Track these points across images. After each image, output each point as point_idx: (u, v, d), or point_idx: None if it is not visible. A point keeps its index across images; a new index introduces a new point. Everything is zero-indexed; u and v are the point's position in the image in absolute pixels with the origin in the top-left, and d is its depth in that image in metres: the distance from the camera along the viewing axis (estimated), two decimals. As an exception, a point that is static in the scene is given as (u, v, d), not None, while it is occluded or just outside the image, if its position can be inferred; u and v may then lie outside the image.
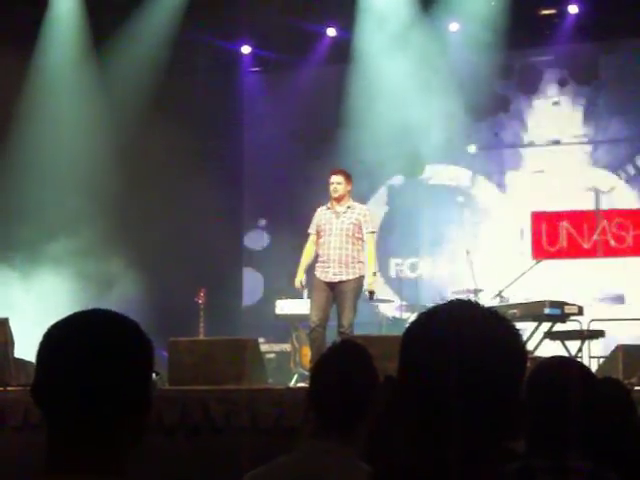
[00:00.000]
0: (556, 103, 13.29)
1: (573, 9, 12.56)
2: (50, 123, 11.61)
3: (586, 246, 12.89)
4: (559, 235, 12.98)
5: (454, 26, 12.85)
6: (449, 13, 12.50)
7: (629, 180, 12.99)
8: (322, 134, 12.85)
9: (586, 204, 13.12)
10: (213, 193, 12.45)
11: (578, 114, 13.21)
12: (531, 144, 13.42)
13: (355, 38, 12.86)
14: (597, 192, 13.14)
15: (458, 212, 13.26)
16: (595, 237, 12.92)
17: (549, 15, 12.94)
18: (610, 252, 12.70)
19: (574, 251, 12.73)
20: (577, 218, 13.15)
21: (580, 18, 12.55)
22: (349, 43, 12.89)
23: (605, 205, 13.09)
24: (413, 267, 13.49)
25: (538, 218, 13.20)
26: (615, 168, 12.99)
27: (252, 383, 7.42)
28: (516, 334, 1.49)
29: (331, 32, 13.37)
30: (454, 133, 12.69)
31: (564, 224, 13.09)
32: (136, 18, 12.13)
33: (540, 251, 13.12)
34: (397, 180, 13.48)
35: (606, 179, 13.11)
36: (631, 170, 12.93)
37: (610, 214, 13.04)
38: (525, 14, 12.51)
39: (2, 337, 8.03)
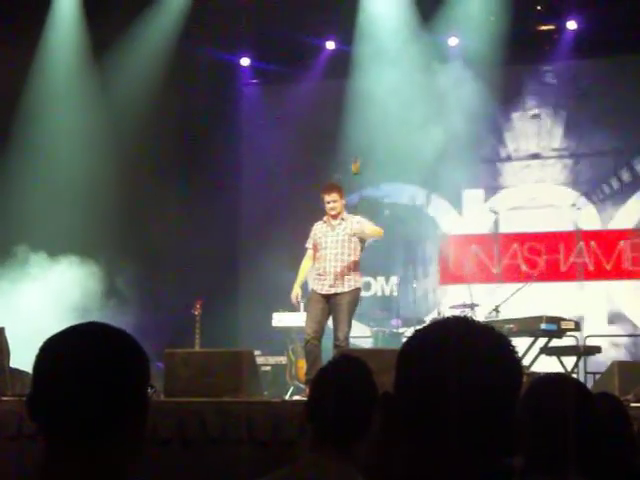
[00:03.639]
0: (536, 116, 13.28)
1: (572, 25, 12.60)
2: (49, 131, 11.61)
3: (495, 271, 12.83)
4: (467, 259, 12.90)
5: (453, 40, 12.89)
6: (448, 27, 12.54)
7: (609, 195, 12.86)
8: (320, 146, 12.85)
9: (547, 224, 12.99)
10: (210, 204, 12.45)
11: (559, 127, 13.17)
12: (508, 158, 13.38)
13: (354, 51, 12.90)
14: (561, 211, 13.00)
15: (413, 231, 13.10)
16: (505, 261, 12.86)
17: (548, 31, 12.99)
18: (521, 277, 12.58)
19: (482, 276, 12.64)
20: (486, 242, 13.09)
21: (578, 34, 12.60)
22: (348, 56, 12.93)
23: (566, 226, 12.94)
24: (366, 287, 13.43)
25: (446, 242, 13.13)
26: (599, 182, 12.91)
27: (248, 395, 7.41)
28: (512, 350, 1.50)
29: (330, 45, 13.41)
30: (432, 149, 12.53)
31: (473, 248, 13.03)
32: (136, 29, 12.16)
33: (447, 276, 13.05)
34: (353, 199, 13.20)
35: (570, 197, 13.01)
36: (615, 184, 12.85)
37: (523, 238, 12.98)
38: (524, 30, 12.56)
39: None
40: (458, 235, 13.21)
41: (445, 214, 13.44)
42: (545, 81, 13.23)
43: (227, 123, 13.70)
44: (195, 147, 12.83)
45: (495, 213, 12.00)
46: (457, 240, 13.16)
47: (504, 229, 13.19)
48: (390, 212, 12.77)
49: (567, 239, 12.81)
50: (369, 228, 8.69)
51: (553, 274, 12.73)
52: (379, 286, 13.42)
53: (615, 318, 12.55)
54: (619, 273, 12.62)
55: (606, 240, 12.70)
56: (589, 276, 12.65)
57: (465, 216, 13.38)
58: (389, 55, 12.51)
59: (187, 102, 12.41)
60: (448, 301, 12.20)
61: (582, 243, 12.72)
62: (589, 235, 12.78)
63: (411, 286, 12.27)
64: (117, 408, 1.66)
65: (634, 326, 12.48)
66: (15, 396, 7.37)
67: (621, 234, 12.69)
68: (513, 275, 12.64)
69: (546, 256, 12.86)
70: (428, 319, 11.75)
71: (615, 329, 12.39)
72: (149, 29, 12.27)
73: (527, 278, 11.52)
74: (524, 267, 12.82)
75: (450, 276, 13.05)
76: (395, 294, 13.19)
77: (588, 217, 12.88)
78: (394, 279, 13.31)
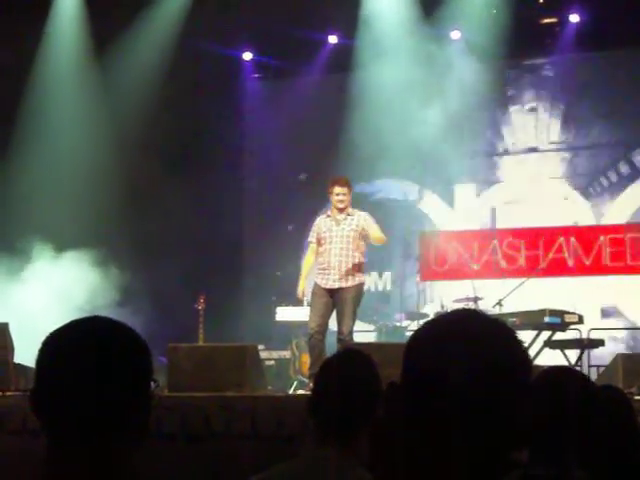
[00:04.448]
0: (533, 109, 13.25)
1: (574, 18, 12.57)
2: (51, 127, 11.62)
3: (475, 267, 12.82)
4: (447, 255, 12.89)
5: (456, 34, 12.87)
6: (451, 21, 12.52)
7: (607, 188, 12.83)
8: (323, 140, 12.83)
9: (539, 218, 12.94)
10: (214, 199, 12.45)
11: (557, 120, 13.12)
12: (506, 152, 13.35)
13: (356, 46, 12.88)
14: (554, 205, 12.95)
15: (405, 227, 12.97)
16: (485, 257, 12.83)
17: (550, 24, 12.96)
18: (502, 273, 12.57)
19: (463, 272, 12.65)
20: (466, 238, 13.07)
21: (580, 27, 12.57)
22: (350, 50, 12.91)
23: (553, 221, 12.88)
24: None
25: (426, 238, 13.10)
26: (597, 175, 12.87)
27: (252, 390, 7.41)
28: (520, 343, 1.50)
29: (332, 39, 13.40)
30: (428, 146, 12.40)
31: (453, 244, 13.03)
32: (138, 24, 12.15)
33: (428, 272, 13.02)
34: None
35: (563, 190, 12.98)
36: (613, 177, 12.81)
37: (502, 233, 12.95)
38: (526, 23, 12.53)
39: (2, 342, 8.03)
40: (434, 231, 13.24)
41: (438, 209, 13.44)
42: (543, 74, 13.20)
43: (230, 117, 13.69)
44: (198, 142, 12.84)
45: None
46: (433, 236, 13.16)
47: (496, 224, 13.19)
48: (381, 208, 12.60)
49: (555, 234, 12.80)
50: (373, 233, 8.65)
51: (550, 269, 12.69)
52: (372, 282, 13.38)
53: (609, 312, 12.52)
54: (612, 269, 12.62)
55: (598, 235, 12.70)
56: (583, 271, 12.63)
57: (457, 211, 13.39)
58: (391, 49, 12.49)
59: (190, 96, 12.41)
60: (439, 295, 12.17)
61: (562, 238, 12.72)
62: (579, 230, 12.77)
63: (402, 281, 12.19)
64: (120, 402, 1.66)
65: (628, 320, 12.47)
66: (19, 391, 7.39)
67: (611, 229, 12.69)
68: (512, 270, 12.63)
69: (525, 252, 12.86)
70: (425, 312, 11.72)
71: (609, 323, 12.38)
72: (152, 23, 12.27)
73: (528, 272, 11.51)
74: (504, 263, 12.84)
75: (432, 272, 13.03)
76: (389, 288, 13.22)
77: (581, 211, 12.86)
78: (387, 274, 13.32)
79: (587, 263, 12.65)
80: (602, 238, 12.65)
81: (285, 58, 13.59)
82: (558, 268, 12.52)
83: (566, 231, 12.74)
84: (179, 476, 6.21)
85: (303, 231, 9.98)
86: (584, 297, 12.31)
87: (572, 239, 12.69)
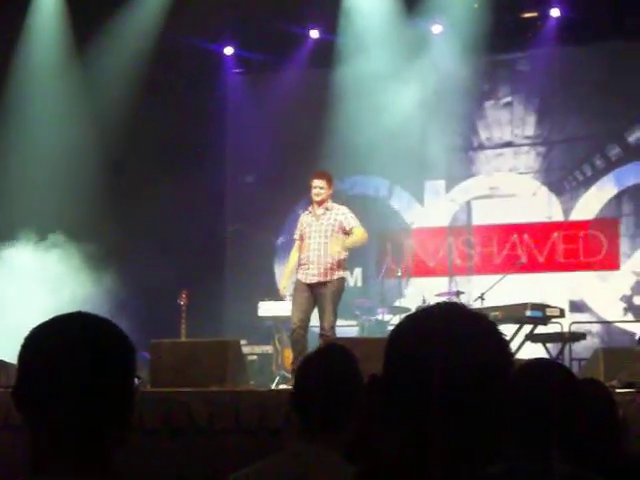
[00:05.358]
0: (508, 103, 13.27)
1: (555, 12, 12.61)
2: (32, 123, 11.56)
3: (431, 264, 12.89)
4: (404, 254, 12.96)
5: (437, 28, 12.87)
6: (433, 14, 12.52)
7: (582, 183, 12.86)
8: (305, 135, 12.82)
9: (508, 214, 12.98)
10: (195, 194, 12.42)
11: (531, 115, 13.13)
12: (481, 147, 13.36)
13: (338, 40, 12.87)
14: (522, 200, 12.99)
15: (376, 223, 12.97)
16: (441, 254, 12.90)
17: (531, 18, 12.99)
18: (456, 270, 12.64)
19: (419, 270, 12.66)
20: (424, 235, 13.13)
21: (560, 21, 12.61)
22: (332, 45, 12.91)
23: (518, 217, 12.92)
24: None
25: (383, 237, 13.12)
26: (572, 169, 12.88)
27: (234, 385, 7.42)
28: (501, 337, 1.50)
29: (314, 34, 13.38)
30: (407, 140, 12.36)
31: (409, 242, 13.09)
32: (119, 18, 12.11)
33: (387, 271, 13.05)
34: None
35: (531, 186, 13.02)
36: (588, 171, 12.83)
37: (460, 231, 13.01)
38: (507, 17, 12.56)
39: (-17, 338, 7.98)
40: (391, 230, 13.27)
41: (407, 205, 13.45)
42: (519, 69, 13.21)
43: (211, 112, 13.66)
44: (180, 137, 12.78)
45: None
46: (389, 236, 13.18)
47: (463, 221, 13.22)
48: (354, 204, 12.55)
49: (509, 231, 12.86)
50: (349, 239, 8.65)
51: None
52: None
53: (577, 307, 12.54)
54: (577, 265, 12.68)
55: (568, 231, 12.75)
56: (536, 268, 12.69)
57: (427, 207, 13.40)
58: (372, 44, 12.48)
59: (171, 91, 12.37)
60: (420, 290, 12.18)
61: (516, 236, 12.78)
62: (532, 228, 12.82)
63: (382, 277, 12.14)
64: (103, 398, 1.66)
65: (595, 314, 12.49)
66: (0, 387, 7.36)
67: (581, 225, 12.74)
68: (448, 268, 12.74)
69: (480, 249, 12.92)
70: (406, 306, 11.72)
71: (581, 318, 12.39)
72: (133, 18, 12.22)
73: (484, 269, 11.60)
74: (459, 261, 12.89)
75: (390, 271, 13.06)
76: (359, 285, 13.23)
77: (550, 206, 12.89)
78: (358, 271, 13.32)
79: (541, 260, 12.71)
80: (556, 234, 12.71)
81: (267, 53, 13.58)
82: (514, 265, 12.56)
83: (520, 228, 12.80)
84: (163, 471, 6.21)
85: (281, 228, 9.97)
86: (548, 292, 12.34)
87: (525, 236, 12.75)
